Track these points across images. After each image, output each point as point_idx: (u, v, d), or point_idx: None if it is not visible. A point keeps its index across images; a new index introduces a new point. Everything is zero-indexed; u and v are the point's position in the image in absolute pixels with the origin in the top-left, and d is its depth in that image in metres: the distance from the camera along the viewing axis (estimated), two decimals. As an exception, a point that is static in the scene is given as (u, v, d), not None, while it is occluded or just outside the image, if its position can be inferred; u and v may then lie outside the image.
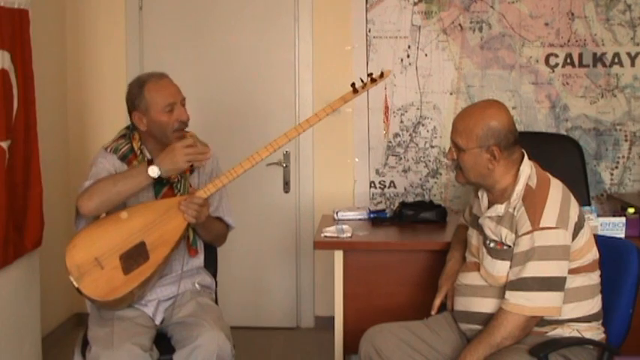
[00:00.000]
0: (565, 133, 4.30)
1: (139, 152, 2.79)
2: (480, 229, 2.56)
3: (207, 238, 2.92)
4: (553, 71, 4.31)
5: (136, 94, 2.76)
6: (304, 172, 4.44)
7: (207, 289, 2.94)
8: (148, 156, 2.80)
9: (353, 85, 2.83)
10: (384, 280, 3.16)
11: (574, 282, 2.41)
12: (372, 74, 2.85)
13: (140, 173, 2.62)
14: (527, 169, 2.49)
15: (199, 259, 2.93)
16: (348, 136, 4.41)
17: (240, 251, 4.35)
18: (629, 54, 4.28)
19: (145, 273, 2.61)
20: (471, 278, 2.56)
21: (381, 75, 2.87)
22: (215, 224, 2.90)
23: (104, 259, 2.62)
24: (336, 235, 3.17)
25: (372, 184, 4.42)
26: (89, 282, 2.59)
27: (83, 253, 2.62)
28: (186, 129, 2.93)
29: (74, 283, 2.58)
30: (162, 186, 2.77)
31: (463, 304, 2.57)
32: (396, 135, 4.39)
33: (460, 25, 4.31)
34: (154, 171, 2.60)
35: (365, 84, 2.84)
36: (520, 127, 4.18)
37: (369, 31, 4.34)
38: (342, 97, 2.84)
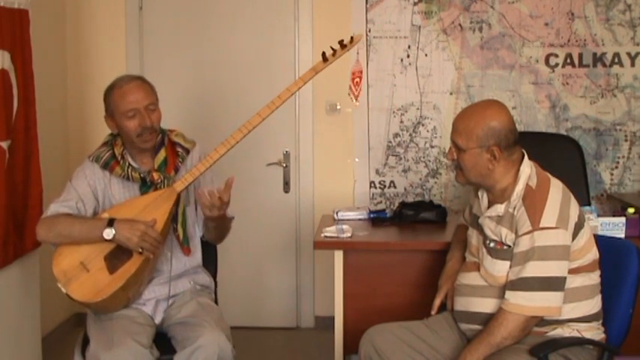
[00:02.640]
0: (565, 133, 4.30)
1: (120, 158, 2.78)
2: (479, 229, 2.56)
3: (219, 234, 2.91)
4: (553, 71, 4.31)
5: (105, 98, 2.80)
6: (304, 172, 4.44)
7: (207, 289, 2.93)
8: (130, 160, 2.80)
9: (323, 54, 2.79)
10: (384, 280, 3.16)
11: (574, 282, 2.41)
12: (342, 40, 2.80)
13: (97, 228, 2.61)
14: (528, 169, 2.49)
15: (196, 258, 2.91)
16: (348, 136, 4.41)
17: (240, 251, 4.35)
18: (629, 54, 4.28)
19: (130, 270, 2.62)
20: (470, 278, 2.56)
21: (351, 40, 2.83)
22: (226, 220, 2.87)
23: (89, 261, 2.63)
24: (336, 235, 3.16)
25: (372, 184, 4.42)
26: (76, 286, 2.61)
27: (69, 258, 2.64)
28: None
29: (62, 289, 2.61)
30: (148, 188, 2.76)
31: (463, 304, 2.57)
32: (396, 135, 4.39)
33: (460, 25, 4.31)
34: (108, 234, 2.59)
35: (335, 51, 2.80)
36: (520, 127, 4.18)
37: (369, 31, 4.34)
38: (312, 67, 2.80)
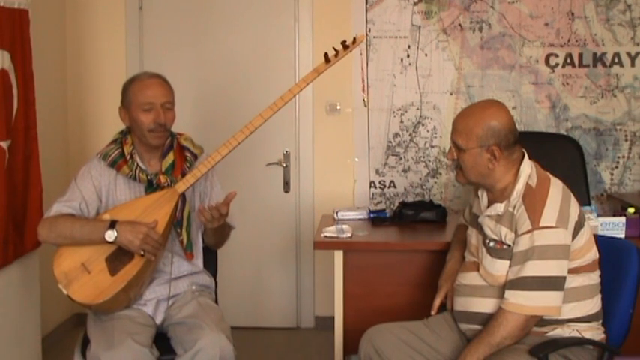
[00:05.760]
0: (565, 133, 4.30)
1: (129, 157, 2.78)
2: (479, 228, 2.56)
3: (217, 241, 2.92)
4: (553, 71, 4.31)
5: (124, 89, 2.82)
6: (304, 172, 4.44)
7: (207, 289, 2.93)
8: (139, 161, 2.79)
9: (326, 55, 2.78)
10: (384, 280, 3.16)
11: (574, 282, 2.41)
12: (345, 41, 2.79)
13: (99, 230, 2.61)
14: (528, 168, 2.49)
15: (197, 263, 2.91)
16: (348, 136, 4.41)
17: (240, 251, 4.35)
18: (629, 54, 4.28)
19: (131, 272, 2.61)
20: (470, 278, 2.56)
21: (354, 41, 2.83)
22: (225, 228, 2.89)
23: (90, 263, 2.63)
24: (336, 235, 3.16)
25: (372, 184, 4.42)
26: (77, 287, 2.60)
27: (70, 259, 2.64)
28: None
29: (63, 290, 2.60)
30: (154, 190, 2.76)
31: (463, 304, 2.57)
32: (396, 135, 4.39)
33: (460, 25, 4.31)
34: (110, 236, 2.59)
35: (337, 52, 2.80)
36: (520, 127, 4.18)
37: (369, 31, 4.34)
38: (314, 69, 2.79)
